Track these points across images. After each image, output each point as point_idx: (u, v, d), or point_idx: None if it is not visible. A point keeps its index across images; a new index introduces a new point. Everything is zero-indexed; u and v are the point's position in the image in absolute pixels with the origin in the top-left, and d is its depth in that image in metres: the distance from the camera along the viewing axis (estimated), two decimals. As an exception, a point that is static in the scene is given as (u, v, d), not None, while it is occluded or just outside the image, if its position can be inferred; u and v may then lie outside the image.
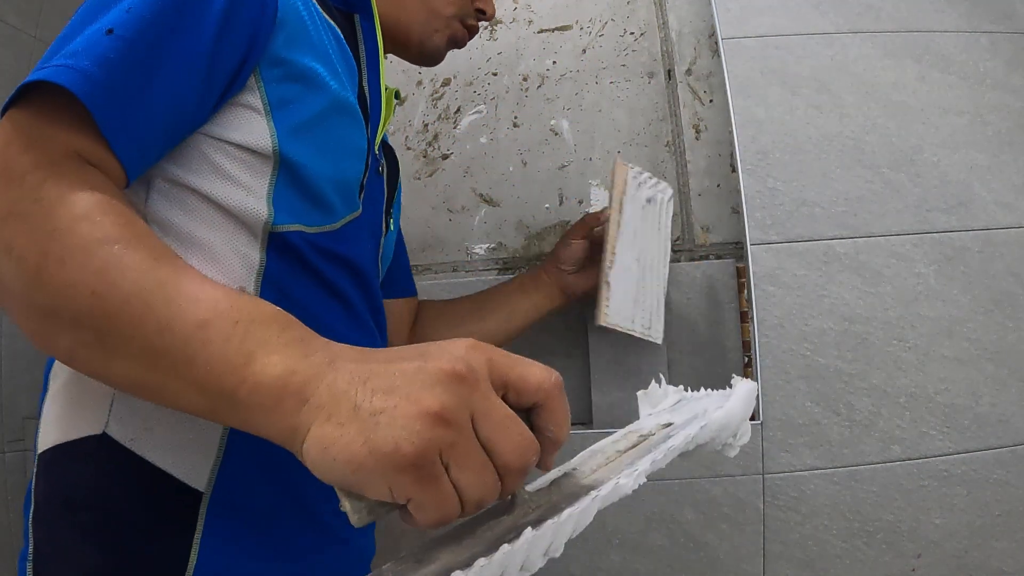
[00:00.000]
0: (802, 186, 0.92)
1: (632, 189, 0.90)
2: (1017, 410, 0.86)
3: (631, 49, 1.12)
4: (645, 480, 0.37)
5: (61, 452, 0.50)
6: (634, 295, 0.89)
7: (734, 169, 1.01)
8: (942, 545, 0.85)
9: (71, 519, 0.48)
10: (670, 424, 0.42)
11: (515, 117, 1.12)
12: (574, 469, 0.40)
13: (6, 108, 0.43)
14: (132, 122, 0.44)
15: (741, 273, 0.98)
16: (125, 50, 0.43)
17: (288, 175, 0.52)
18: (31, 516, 0.51)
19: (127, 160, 0.44)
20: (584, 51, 1.13)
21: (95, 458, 0.48)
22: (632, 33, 1.12)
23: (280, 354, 0.35)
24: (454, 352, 0.34)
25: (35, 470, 0.52)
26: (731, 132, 0.94)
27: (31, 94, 0.43)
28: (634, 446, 0.41)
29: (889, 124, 0.92)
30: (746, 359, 0.98)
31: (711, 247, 1.05)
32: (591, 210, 1.09)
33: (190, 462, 0.48)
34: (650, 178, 0.93)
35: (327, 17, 0.60)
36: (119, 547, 0.46)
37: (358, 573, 0.58)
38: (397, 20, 0.72)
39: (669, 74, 1.10)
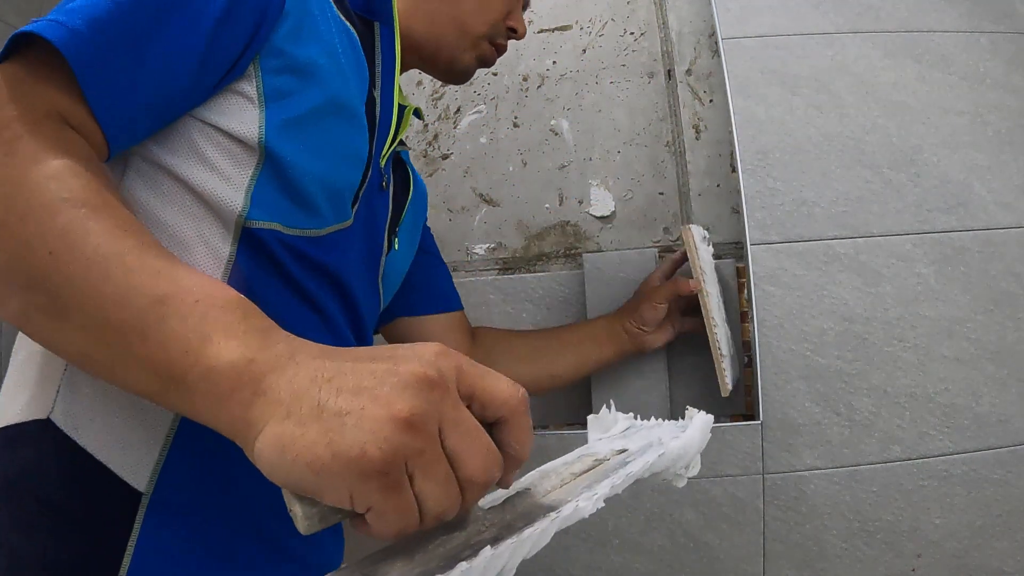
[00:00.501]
0: (802, 186, 0.92)
1: (703, 251, 0.90)
2: (1017, 410, 0.86)
3: (631, 49, 1.12)
4: (603, 504, 0.36)
5: (9, 433, 0.48)
6: (732, 352, 0.91)
7: (734, 169, 1.01)
8: (942, 545, 0.85)
9: (8, 503, 0.46)
10: (624, 450, 0.42)
11: (515, 117, 1.12)
12: (527, 489, 0.39)
13: None
14: (118, 91, 0.42)
15: (741, 273, 0.98)
16: (122, 16, 0.42)
17: (273, 171, 0.50)
18: None
19: (109, 129, 0.42)
20: (584, 51, 1.13)
21: (37, 443, 0.46)
22: (632, 33, 1.12)
23: (239, 340, 0.33)
24: (425, 356, 0.32)
25: None
26: (731, 132, 0.94)
27: (24, 48, 0.41)
28: (589, 469, 0.40)
29: (889, 124, 0.92)
30: (746, 359, 0.98)
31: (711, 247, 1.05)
32: (595, 212, 1.09)
33: (132, 459, 0.45)
34: (704, 228, 0.94)
35: (343, 19, 0.58)
36: (52, 539, 0.44)
37: None
38: (427, 35, 0.71)
39: (669, 74, 1.10)
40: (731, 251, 1.03)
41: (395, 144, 0.68)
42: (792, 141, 0.93)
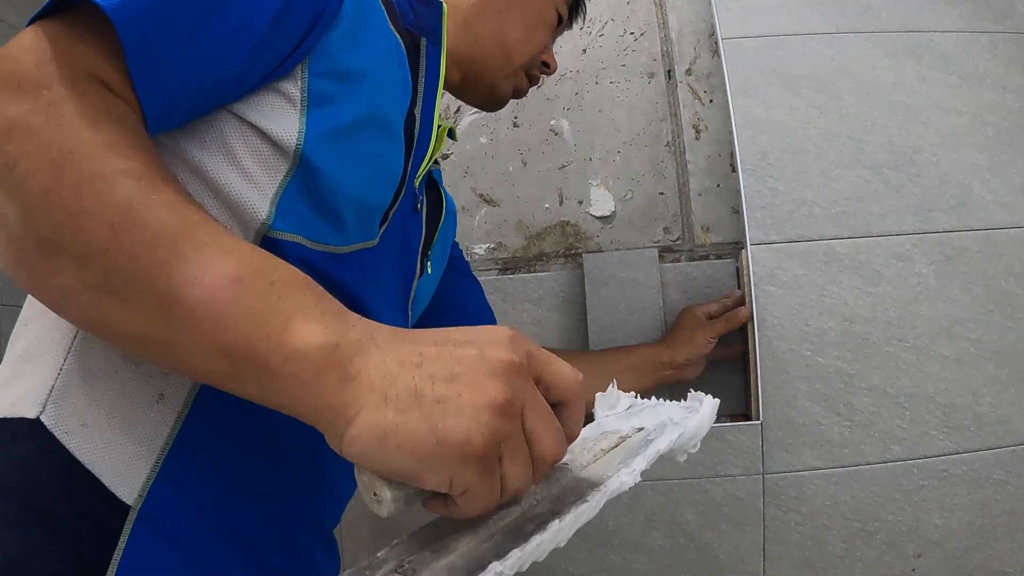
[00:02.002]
0: (802, 186, 0.92)
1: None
2: (1017, 410, 0.86)
3: (631, 49, 1.12)
4: (640, 479, 0.39)
5: None
6: None
7: (734, 169, 1.01)
8: (942, 545, 0.85)
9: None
10: (642, 428, 0.45)
11: (515, 117, 1.12)
12: (565, 464, 0.41)
13: (33, 20, 0.39)
14: (164, 70, 0.39)
15: (741, 273, 0.98)
16: (177, 6, 0.39)
17: (304, 180, 0.48)
18: None
19: (149, 109, 0.40)
20: (584, 51, 1.13)
21: (25, 443, 0.43)
22: (632, 33, 1.12)
23: (320, 323, 0.32)
24: (504, 342, 0.33)
25: None
26: (731, 132, 0.94)
27: (65, 12, 0.38)
28: (616, 446, 0.43)
29: (889, 124, 0.92)
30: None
31: (711, 247, 1.05)
32: (595, 212, 1.09)
33: (123, 471, 0.42)
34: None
35: (394, 31, 0.57)
36: (34, 544, 0.41)
37: None
38: (472, 58, 0.71)
39: (669, 74, 1.10)
40: (731, 251, 1.03)
41: (430, 164, 0.66)
42: (792, 141, 0.93)
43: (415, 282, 0.67)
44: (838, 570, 0.86)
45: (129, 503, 0.42)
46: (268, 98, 0.46)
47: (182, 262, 0.32)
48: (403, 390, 0.31)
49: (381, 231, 0.56)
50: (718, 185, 1.05)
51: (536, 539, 0.32)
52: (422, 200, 0.67)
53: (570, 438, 0.36)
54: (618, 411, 0.51)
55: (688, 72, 1.09)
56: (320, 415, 0.32)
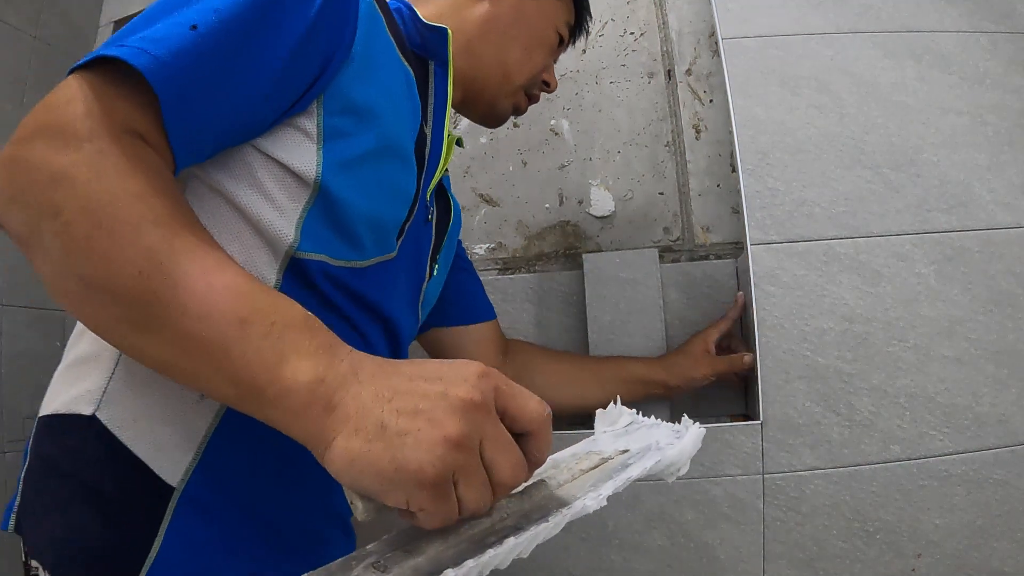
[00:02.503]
0: (802, 186, 0.92)
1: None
2: (1017, 410, 0.86)
3: (631, 49, 1.12)
4: (606, 503, 0.42)
5: (55, 421, 0.52)
6: None
7: (734, 169, 1.01)
8: (942, 545, 0.85)
9: (54, 482, 0.50)
10: (626, 451, 0.48)
11: (515, 117, 1.12)
12: (543, 480, 0.44)
13: (73, 70, 0.43)
14: (193, 119, 0.45)
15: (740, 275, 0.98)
16: (205, 50, 0.44)
17: (323, 205, 0.53)
18: (24, 470, 0.54)
19: (179, 154, 0.45)
20: (584, 51, 1.13)
21: (82, 435, 0.50)
22: (632, 33, 1.12)
23: (311, 360, 0.38)
24: (470, 379, 0.37)
25: (34, 430, 0.55)
26: (731, 132, 0.94)
27: (103, 66, 0.43)
28: (595, 467, 0.46)
29: (889, 124, 0.92)
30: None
31: (711, 247, 1.05)
32: (595, 212, 1.09)
33: (169, 457, 0.50)
34: None
35: (402, 58, 0.61)
36: (89, 521, 0.48)
37: None
38: (474, 78, 0.75)
39: (669, 74, 1.10)
40: (731, 251, 1.03)
41: (441, 175, 0.71)
42: (792, 141, 0.93)
43: (424, 285, 0.72)
44: (838, 570, 0.86)
45: (173, 485, 0.49)
46: (287, 133, 0.52)
47: (197, 304, 0.38)
48: (372, 422, 0.36)
49: (399, 244, 0.61)
50: (718, 185, 1.05)
51: (491, 552, 0.36)
52: (432, 210, 0.72)
53: (534, 464, 0.39)
54: (617, 428, 0.53)
55: (688, 72, 1.09)
56: (307, 438, 0.37)
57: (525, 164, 1.13)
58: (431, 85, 0.68)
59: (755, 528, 0.88)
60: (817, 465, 0.87)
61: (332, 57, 0.52)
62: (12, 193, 0.40)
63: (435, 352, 0.91)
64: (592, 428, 0.56)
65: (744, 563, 0.88)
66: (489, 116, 0.81)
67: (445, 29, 0.67)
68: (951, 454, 0.86)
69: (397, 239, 0.61)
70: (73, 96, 0.41)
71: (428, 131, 0.66)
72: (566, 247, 1.10)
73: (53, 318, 1.27)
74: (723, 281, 1.01)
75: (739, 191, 0.93)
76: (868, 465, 0.87)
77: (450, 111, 0.70)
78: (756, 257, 0.91)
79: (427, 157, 0.65)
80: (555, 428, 1.01)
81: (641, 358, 0.97)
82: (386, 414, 0.36)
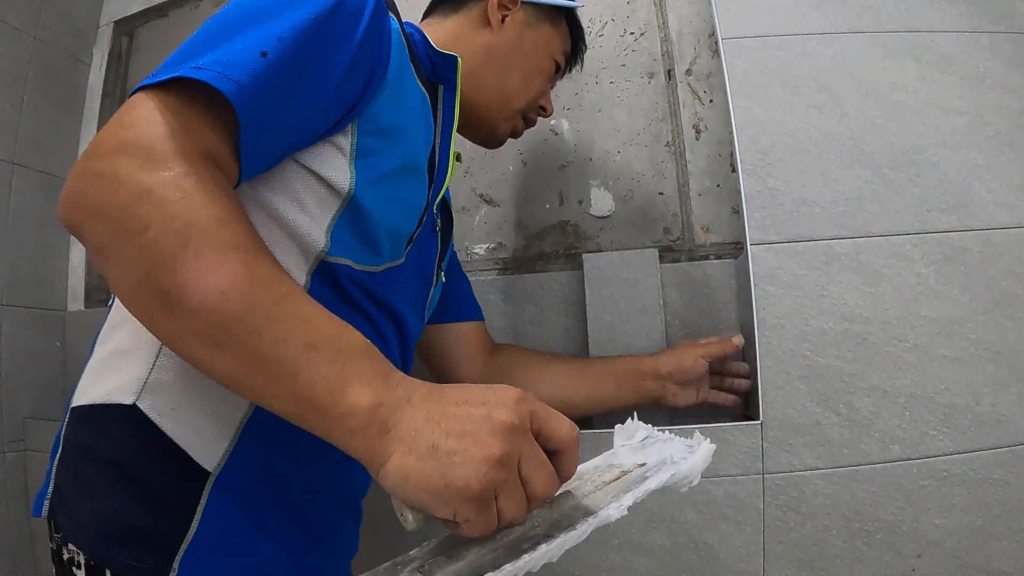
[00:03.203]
0: (802, 186, 0.92)
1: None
2: (1017, 410, 0.86)
3: (631, 49, 1.12)
4: (627, 512, 0.47)
5: (95, 410, 0.55)
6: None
7: (734, 169, 1.01)
8: (942, 545, 0.85)
9: (91, 469, 0.54)
10: (644, 464, 0.53)
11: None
12: (569, 491, 0.49)
13: (143, 87, 0.46)
14: (262, 140, 0.49)
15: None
16: (273, 77, 0.48)
17: (352, 215, 0.57)
18: (57, 459, 0.57)
19: (245, 171, 0.49)
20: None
21: (123, 423, 0.53)
22: (632, 33, 1.12)
23: (370, 386, 0.42)
24: (509, 404, 0.42)
25: (66, 420, 0.58)
26: (731, 132, 0.94)
27: (175, 86, 0.46)
28: (616, 479, 0.51)
29: (889, 124, 0.92)
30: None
31: (711, 247, 1.05)
32: (595, 212, 1.09)
33: (206, 444, 0.53)
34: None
35: (420, 84, 0.66)
36: (128, 504, 0.52)
37: (341, 570, 0.66)
38: (474, 102, 0.79)
39: (669, 74, 1.10)
40: (731, 251, 1.03)
41: (445, 190, 0.76)
42: (792, 141, 0.93)
43: (431, 290, 0.78)
44: (838, 570, 0.86)
45: (209, 470, 0.53)
46: (325, 149, 0.56)
47: (272, 328, 0.42)
48: (424, 443, 0.40)
49: (407, 251, 0.67)
50: (718, 185, 1.05)
51: (526, 557, 0.41)
52: (438, 221, 0.77)
53: (564, 478, 0.44)
54: (634, 442, 0.58)
55: (688, 72, 1.09)
56: (363, 455, 0.42)
57: (525, 164, 1.13)
58: (440, 107, 0.74)
59: (755, 528, 0.88)
60: (817, 465, 0.87)
61: (371, 83, 0.56)
62: (96, 205, 0.43)
63: (421, 346, 0.93)
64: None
65: (744, 563, 0.88)
66: (489, 139, 0.86)
67: (456, 57, 0.72)
68: (951, 454, 0.86)
69: (406, 247, 0.66)
70: (151, 116, 0.44)
71: (437, 151, 0.71)
72: (566, 247, 1.10)
73: (53, 318, 1.27)
74: (723, 281, 1.01)
75: (739, 191, 0.93)
76: (868, 465, 0.87)
77: (455, 131, 0.75)
78: (756, 257, 0.91)
79: (435, 173, 0.71)
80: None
81: (631, 355, 0.97)
82: (437, 436, 0.40)
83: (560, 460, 0.44)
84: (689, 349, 0.92)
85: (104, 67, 1.38)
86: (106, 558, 0.51)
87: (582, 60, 0.92)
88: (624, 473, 0.51)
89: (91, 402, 0.56)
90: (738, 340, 0.92)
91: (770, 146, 0.93)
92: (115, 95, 1.39)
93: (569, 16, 0.87)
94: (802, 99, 0.94)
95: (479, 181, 1.14)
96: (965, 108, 0.92)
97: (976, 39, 0.94)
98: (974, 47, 0.94)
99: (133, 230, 0.41)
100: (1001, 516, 0.84)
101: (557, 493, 0.47)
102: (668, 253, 1.06)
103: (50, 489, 0.56)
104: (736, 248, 1.03)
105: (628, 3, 1.13)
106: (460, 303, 0.94)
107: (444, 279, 0.82)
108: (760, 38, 0.96)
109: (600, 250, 1.08)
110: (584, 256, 1.04)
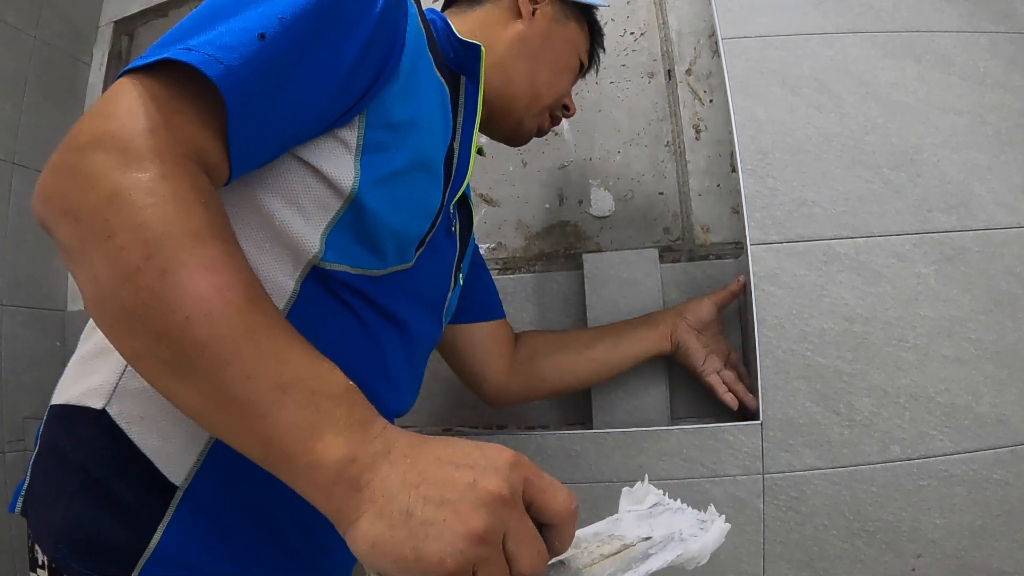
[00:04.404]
0: (802, 186, 0.92)
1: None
2: (1017, 410, 0.86)
3: (631, 49, 1.12)
4: None
5: (67, 412, 0.53)
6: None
7: (734, 169, 1.01)
8: (942, 545, 0.85)
9: (61, 472, 0.52)
10: (649, 539, 0.48)
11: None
12: (563, 561, 0.44)
13: (130, 69, 0.42)
14: (255, 133, 0.45)
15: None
16: (271, 62, 0.44)
17: (353, 217, 0.53)
18: (33, 457, 0.55)
19: (236, 167, 0.45)
20: (584, 51, 1.13)
21: (92, 428, 0.51)
22: (632, 33, 1.12)
23: (344, 436, 0.37)
24: (501, 471, 0.36)
25: (45, 417, 0.56)
26: (731, 132, 0.94)
27: (164, 68, 0.41)
28: (616, 553, 0.46)
29: (889, 124, 0.92)
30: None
31: (711, 247, 1.05)
32: (595, 212, 1.09)
33: (174, 457, 0.50)
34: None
35: (438, 75, 0.62)
36: (92, 513, 0.49)
37: None
38: (503, 94, 0.76)
39: (669, 74, 1.10)
40: (731, 251, 1.03)
41: (465, 185, 0.72)
42: (792, 141, 0.93)
43: (448, 295, 0.73)
44: (838, 570, 0.86)
45: (177, 484, 0.50)
46: (328, 144, 0.51)
47: (240, 362, 0.37)
48: (397, 508, 0.35)
49: (417, 255, 0.62)
50: (718, 185, 1.05)
51: None
52: (455, 221, 0.73)
53: (556, 554, 0.39)
54: (643, 508, 0.54)
55: (688, 72, 1.09)
56: (331, 512, 0.37)
57: (525, 164, 1.12)
58: (461, 100, 0.70)
59: (755, 528, 0.88)
60: (817, 465, 0.87)
61: (382, 73, 0.52)
62: (66, 205, 0.39)
63: (445, 349, 0.91)
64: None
65: (744, 563, 0.88)
66: (515, 135, 0.83)
67: (479, 46, 0.69)
68: (951, 454, 0.86)
69: (416, 250, 0.62)
70: (134, 106, 0.40)
71: (456, 145, 0.67)
72: (566, 247, 1.10)
73: (53, 318, 1.27)
74: (723, 281, 1.01)
75: (739, 191, 0.93)
76: (868, 465, 0.87)
77: (478, 125, 0.72)
78: (756, 257, 0.91)
79: (454, 171, 0.67)
80: (552, 428, 1.01)
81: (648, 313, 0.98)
82: (412, 501, 0.35)
83: (553, 535, 0.39)
84: (699, 301, 0.93)
85: (104, 67, 1.38)
86: (66, 566, 0.49)
87: (598, 64, 0.91)
88: (626, 547, 0.46)
89: (65, 402, 0.54)
90: (739, 281, 0.93)
91: (770, 146, 0.93)
92: (115, 95, 1.39)
93: (590, 18, 0.86)
94: (802, 99, 0.94)
95: (479, 181, 1.14)
96: (965, 108, 0.92)
97: (976, 39, 0.94)
98: (974, 47, 0.94)
99: (99, 236, 0.37)
100: (1001, 516, 0.84)
101: (553, 561, 0.42)
102: (668, 253, 1.06)
103: (25, 486, 0.55)
104: (736, 248, 1.03)
105: (628, 3, 1.13)
106: (483, 301, 0.91)
107: (463, 281, 0.78)
108: (760, 38, 0.96)
109: (600, 250, 1.08)
110: (584, 256, 1.04)
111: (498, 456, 0.37)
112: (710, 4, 1.00)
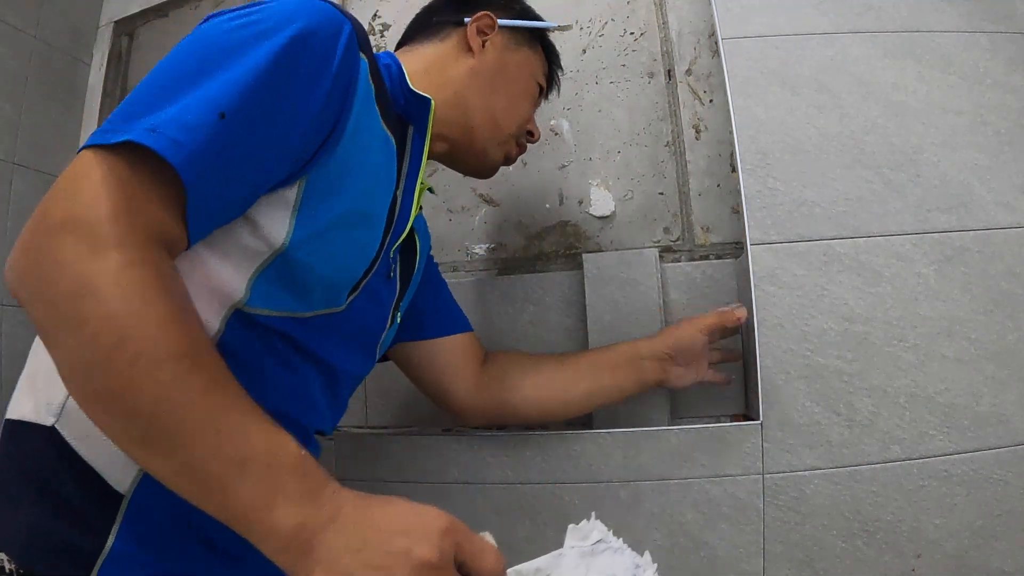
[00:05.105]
0: (802, 186, 0.92)
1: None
2: (1017, 410, 0.86)
3: (631, 49, 1.12)
4: None
5: (19, 427, 0.57)
6: None
7: (734, 169, 1.01)
8: (942, 545, 0.85)
9: (18, 484, 0.55)
10: None
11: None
12: None
13: (92, 144, 0.45)
14: (213, 208, 0.49)
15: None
16: (231, 140, 0.47)
17: (280, 266, 0.56)
18: None
19: (194, 238, 0.48)
20: (584, 51, 1.13)
21: (42, 443, 0.55)
22: (632, 33, 1.12)
23: (296, 505, 0.42)
24: (432, 537, 0.42)
25: (1, 429, 0.59)
26: (731, 132, 0.94)
27: (127, 147, 0.44)
28: None
29: (889, 124, 0.92)
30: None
31: (711, 247, 1.05)
32: (595, 212, 1.09)
33: (118, 469, 0.54)
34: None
35: (385, 128, 0.64)
36: (50, 520, 0.53)
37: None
38: (464, 127, 0.78)
39: (669, 74, 1.10)
40: (731, 251, 1.03)
41: (407, 231, 0.73)
42: (792, 141, 0.93)
43: (383, 334, 0.76)
44: (838, 570, 0.86)
45: (122, 492, 0.54)
46: (267, 199, 0.54)
47: (203, 441, 0.41)
48: (341, 570, 0.41)
49: (351, 299, 0.64)
50: (718, 185, 1.05)
51: None
52: (394, 267, 0.74)
53: None
54: (586, 544, 0.56)
55: (688, 72, 1.09)
56: (285, 567, 0.42)
57: (525, 164, 1.12)
58: (408, 148, 0.72)
59: (755, 528, 0.88)
60: (817, 465, 0.87)
61: (329, 138, 0.55)
62: (37, 288, 0.42)
63: (409, 366, 0.90)
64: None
65: (744, 563, 0.88)
66: (481, 166, 0.83)
67: (429, 100, 0.71)
68: (951, 454, 0.86)
69: (350, 294, 0.64)
70: (99, 188, 0.43)
71: (399, 193, 0.69)
72: (566, 247, 1.10)
73: (53, 318, 1.27)
74: (723, 281, 1.01)
75: (739, 191, 0.93)
76: (868, 465, 0.87)
77: (423, 174, 0.74)
78: (756, 257, 0.91)
79: (396, 218, 0.69)
80: (551, 429, 1.01)
81: (628, 341, 0.92)
82: (354, 565, 0.41)
83: None
84: (686, 324, 0.88)
85: (104, 67, 1.38)
86: (31, 571, 0.52)
87: (558, 85, 0.91)
88: None
89: (19, 417, 0.57)
90: (740, 312, 0.87)
91: (770, 146, 0.93)
92: (115, 95, 1.39)
93: (543, 41, 0.87)
94: (802, 99, 0.94)
95: (479, 181, 1.13)
96: (965, 108, 0.92)
97: (976, 39, 0.94)
98: (974, 47, 0.94)
99: (72, 323, 0.41)
100: (1001, 516, 0.84)
101: None
102: (668, 253, 1.06)
103: None
104: (736, 248, 1.03)
105: (628, 3, 1.13)
106: (442, 316, 0.91)
107: (399, 320, 0.79)
108: (760, 38, 0.96)
109: (600, 250, 1.08)
110: (584, 256, 1.04)
111: (432, 523, 0.43)
112: (710, 4, 1.00)
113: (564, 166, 1.11)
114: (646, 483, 0.91)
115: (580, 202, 1.10)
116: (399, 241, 0.72)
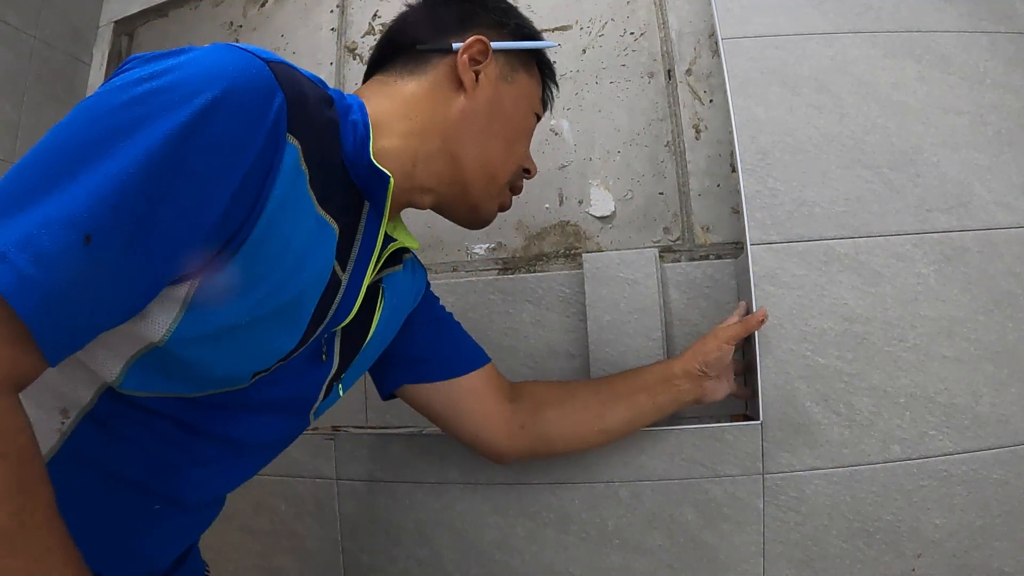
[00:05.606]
0: (802, 186, 0.92)
1: None
2: (1017, 410, 0.86)
3: (631, 49, 1.12)
4: None
5: None
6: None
7: (734, 169, 1.01)
8: (942, 545, 0.85)
9: None
10: None
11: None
12: None
13: None
14: (75, 341, 0.43)
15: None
16: (97, 272, 0.41)
17: (159, 358, 0.50)
18: None
19: (54, 362, 0.43)
20: (584, 51, 1.13)
21: None
22: (632, 33, 1.12)
23: None
24: None
25: None
26: (731, 132, 0.94)
27: None
28: None
29: (889, 124, 0.92)
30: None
31: (711, 247, 1.05)
32: (595, 212, 1.09)
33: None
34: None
35: (321, 212, 0.55)
36: None
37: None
38: (453, 180, 0.69)
39: (669, 74, 1.10)
40: (731, 251, 1.03)
41: (352, 316, 0.65)
42: (792, 141, 0.93)
43: (318, 403, 0.68)
44: (838, 570, 0.86)
45: None
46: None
47: None
48: None
49: (257, 378, 0.58)
50: (718, 185, 1.05)
51: None
52: (330, 348, 0.66)
53: None
54: None
55: (688, 72, 1.09)
56: None
57: (525, 164, 1.12)
58: (361, 227, 0.63)
59: (755, 528, 0.88)
60: (817, 465, 0.87)
61: (229, 244, 0.48)
62: None
63: (430, 411, 0.83)
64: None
65: (744, 563, 0.88)
66: (473, 219, 0.74)
67: (388, 177, 0.60)
68: (951, 454, 0.86)
69: (254, 377, 0.57)
70: None
71: (344, 277, 0.61)
72: (566, 247, 1.10)
73: (53, 318, 1.27)
74: (723, 281, 1.01)
75: (739, 191, 0.93)
76: (868, 465, 0.87)
77: (376, 257, 0.65)
78: (756, 257, 0.91)
79: (336, 304, 0.61)
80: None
81: (656, 363, 0.91)
82: None
83: None
84: (711, 338, 0.86)
85: (104, 67, 1.38)
86: None
87: (552, 103, 0.83)
88: None
89: None
90: (760, 313, 0.86)
91: (770, 146, 0.93)
92: (115, 95, 1.39)
93: (539, 57, 0.78)
94: (802, 99, 0.94)
95: (479, 181, 1.13)
96: (965, 108, 0.92)
97: (976, 39, 0.94)
98: (974, 47, 0.94)
99: None
100: (1001, 516, 0.84)
101: None
102: (668, 253, 1.05)
103: None
104: (736, 248, 1.03)
105: (628, 3, 1.13)
106: (451, 356, 0.82)
107: (343, 392, 0.71)
108: (760, 38, 0.96)
109: (600, 250, 1.08)
110: (584, 256, 1.04)
111: None
112: (710, 4, 1.00)
113: (564, 166, 1.11)
114: (646, 483, 0.91)
115: (580, 202, 1.10)
116: (343, 324, 0.64)
